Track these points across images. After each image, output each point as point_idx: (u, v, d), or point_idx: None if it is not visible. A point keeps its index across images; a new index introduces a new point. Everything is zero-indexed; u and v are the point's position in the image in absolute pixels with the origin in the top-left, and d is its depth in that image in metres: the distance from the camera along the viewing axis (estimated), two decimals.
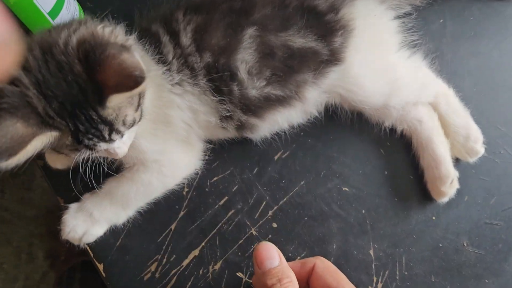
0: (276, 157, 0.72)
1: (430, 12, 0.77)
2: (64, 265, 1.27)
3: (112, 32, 0.53)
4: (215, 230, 0.69)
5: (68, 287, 1.21)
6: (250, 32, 0.61)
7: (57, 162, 0.66)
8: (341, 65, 0.64)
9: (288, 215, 0.70)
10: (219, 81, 0.61)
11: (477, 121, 0.70)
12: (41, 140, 0.49)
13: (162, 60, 0.60)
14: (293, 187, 0.70)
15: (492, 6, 0.77)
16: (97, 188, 0.63)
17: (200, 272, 0.68)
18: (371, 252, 0.69)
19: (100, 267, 0.67)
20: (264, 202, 0.70)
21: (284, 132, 0.70)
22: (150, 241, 0.69)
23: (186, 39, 0.61)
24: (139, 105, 0.54)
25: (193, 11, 0.62)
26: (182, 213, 0.70)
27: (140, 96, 0.54)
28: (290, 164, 0.71)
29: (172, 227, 0.69)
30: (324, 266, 0.57)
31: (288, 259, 0.55)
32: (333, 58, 0.63)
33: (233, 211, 0.70)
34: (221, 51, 0.60)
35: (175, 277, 0.68)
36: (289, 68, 0.62)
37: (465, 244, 0.70)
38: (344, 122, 0.72)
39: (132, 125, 0.55)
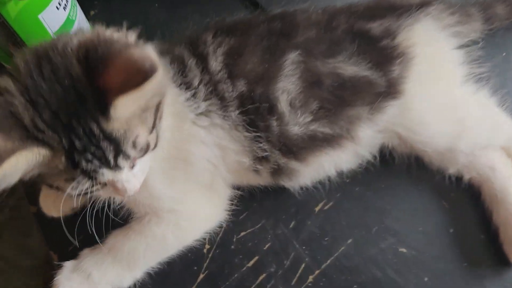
0: (317, 209, 0.66)
1: (491, 45, 0.72)
2: None
3: (123, 34, 0.47)
4: None
5: None
6: (292, 57, 0.57)
7: (52, 208, 0.61)
8: (400, 98, 0.59)
9: (332, 281, 0.62)
10: (255, 114, 0.57)
11: None
12: (26, 158, 0.42)
13: (186, 84, 0.56)
14: (338, 247, 0.63)
15: None
16: (99, 242, 0.58)
17: None
18: None
19: None
20: (303, 265, 0.63)
21: (328, 179, 0.65)
22: None
23: (216, 63, 0.57)
24: (154, 126, 0.48)
25: (225, 33, 0.59)
26: (201, 276, 0.63)
27: (157, 113, 0.48)
28: (334, 218, 0.65)
29: None
30: None
31: None
32: (392, 90, 0.59)
33: (264, 275, 0.63)
34: (258, 79, 0.56)
35: None
36: (340, 100, 0.57)
37: None
38: (398, 168, 0.65)
39: (145, 152, 0.48)
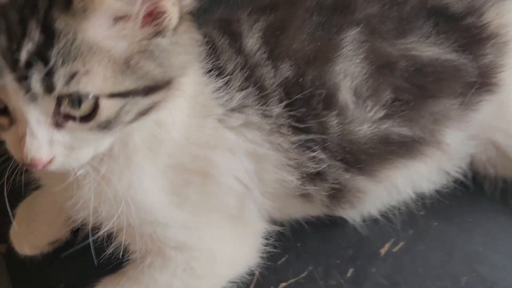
0: (383, 251, 0.57)
1: None
2: None
3: None
4: None
5: None
6: (352, 34, 0.50)
7: (25, 243, 0.55)
8: (497, 92, 0.52)
9: None
10: (306, 107, 0.48)
11: None
12: None
13: (218, 70, 0.49)
14: None
15: None
16: None
17: None
18: None
19: None
20: None
21: (398, 209, 0.56)
22: None
23: (252, 40, 0.50)
24: (129, 93, 0.38)
25: (263, 10, 0.53)
26: None
27: (149, 87, 0.38)
28: (407, 264, 0.55)
29: None
30: None
31: None
32: (485, 80, 0.51)
33: None
34: (308, 60, 0.48)
35: None
36: (419, 90, 0.49)
37: None
38: (489, 196, 0.57)
39: (87, 120, 0.37)
